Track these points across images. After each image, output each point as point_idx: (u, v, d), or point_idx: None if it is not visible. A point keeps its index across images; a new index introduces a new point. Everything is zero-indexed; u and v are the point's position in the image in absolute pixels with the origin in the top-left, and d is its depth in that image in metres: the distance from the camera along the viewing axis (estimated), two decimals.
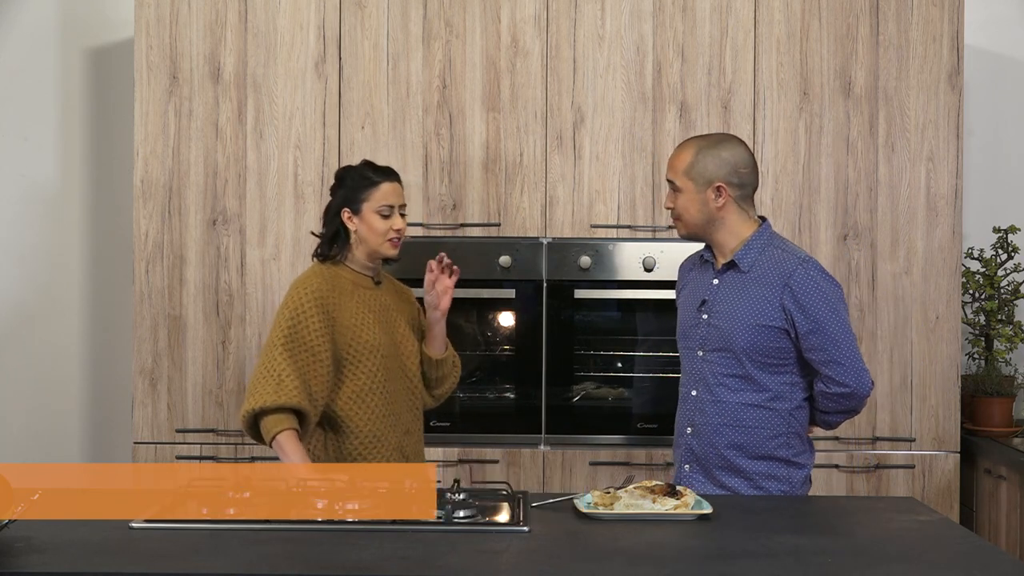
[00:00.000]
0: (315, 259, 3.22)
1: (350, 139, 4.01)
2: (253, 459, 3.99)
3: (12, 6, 4.55)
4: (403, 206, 3.21)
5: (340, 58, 4.02)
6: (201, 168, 4.02)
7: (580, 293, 4.03)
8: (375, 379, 3.13)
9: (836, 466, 3.99)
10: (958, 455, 4.02)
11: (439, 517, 2.54)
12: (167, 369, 4.02)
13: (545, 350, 4.02)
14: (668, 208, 3.12)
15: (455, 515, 2.53)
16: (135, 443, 4.02)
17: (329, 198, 3.24)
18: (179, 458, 4.00)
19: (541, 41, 4.01)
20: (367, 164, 3.23)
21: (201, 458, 4.01)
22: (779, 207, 3.99)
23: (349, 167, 3.25)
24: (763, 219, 3.11)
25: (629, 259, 4.01)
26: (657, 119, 4.01)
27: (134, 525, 2.47)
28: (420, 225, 3.97)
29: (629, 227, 4.01)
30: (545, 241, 4.01)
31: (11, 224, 4.56)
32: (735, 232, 3.08)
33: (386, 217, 3.15)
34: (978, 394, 4.21)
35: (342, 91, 4.02)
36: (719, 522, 2.58)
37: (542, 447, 4.01)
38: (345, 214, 3.17)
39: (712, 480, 3.06)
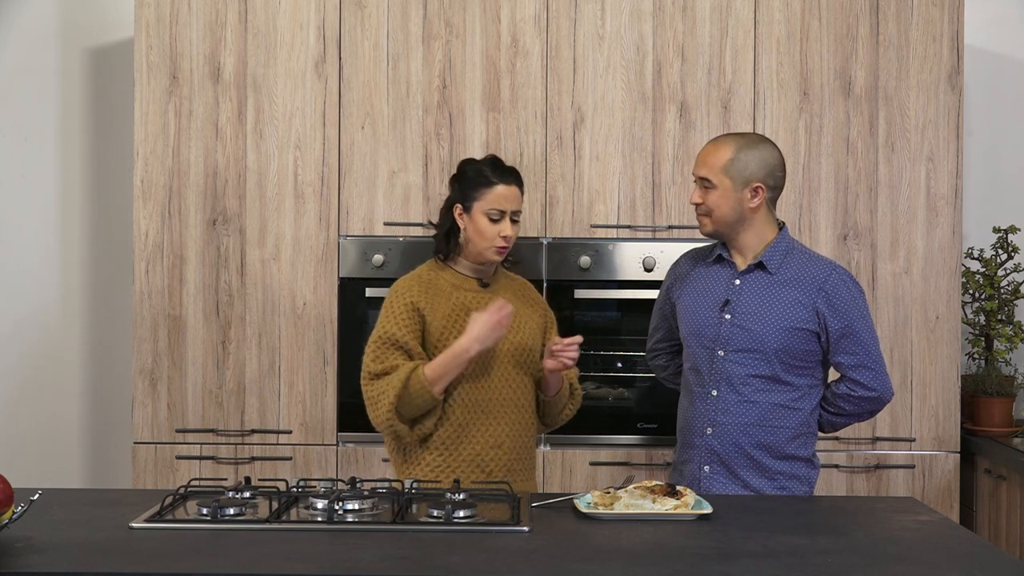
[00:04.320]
0: (438, 254, 3.14)
1: (350, 139, 4.01)
2: (253, 459, 3.99)
3: (12, 6, 4.55)
4: (517, 212, 3.07)
5: (340, 58, 4.02)
6: (201, 168, 4.02)
7: (580, 293, 4.03)
8: (454, 385, 3.02)
9: (836, 466, 3.99)
10: (958, 455, 4.02)
11: (439, 517, 2.54)
12: (167, 369, 4.02)
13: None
14: (695, 204, 3.09)
15: (455, 515, 2.53)
16: (135, 443, 4.02)
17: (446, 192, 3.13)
18: (179, 458, 4.00)
19: (541, 41, 4.01)
20: (491, 160, 3.10)
21: (201, 458, 4.00)
22: (779, 207, 3.95)
23: (471, 161, 3.12)
24: (782, 225, 3.14)
25: (629, 259, 4.01)
26: (657, 119, 4.01)
27: (134, 525, 2.47)
28: (420, 225, 3.97)
29: (629, 227, 4.01)
30: (545, 241, 4.01)
31: (11, 224, 4.56)
32: (760, 234, 3.09)
33: (495, 221, 3.02)
34: (978, 394, 4.21)
35: (342, 91, 4.02)
36: (719, 522, 2.58)
37: (542, 447, 4.01)
38: (457, 210, 3.06)
39: (736, 480, 3.06)
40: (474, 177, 3.06)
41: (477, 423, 3.05)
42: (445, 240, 3.11)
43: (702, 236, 3.20)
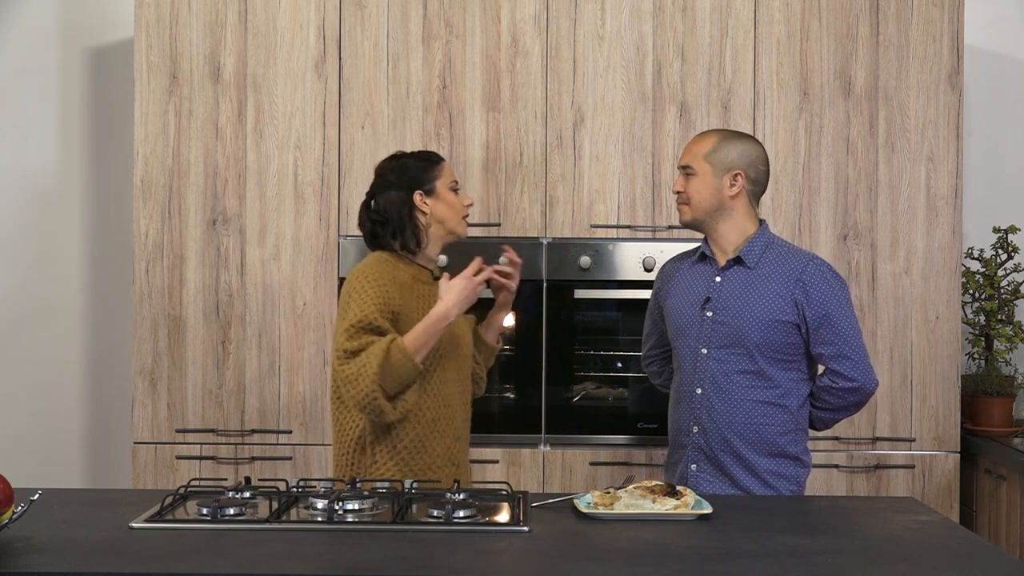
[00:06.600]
0: (388, 251, 3.10)
1: (350, 139, 4.01)
2: (253, 459, 3.99)
3: (12, 6, 4.55)
4: None
5: (340, 58, 4.02)
6: (201, 168, 4.02)
7: (580, 293, 4.03)
8: (428, 382, 3.01)
9: (836, 466, 3.99)
10: (958, 455, 4.02)
11: (439, 517, 2.54)
12: (167, 369, 4.02)
13: (545, 350, 4.02)
14: (677, 192, 3.14)
15: (455, 515, 2.53)
16: (135, 443, 4.02)
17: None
18: (179, 458, 4.00)
19: (541, 41, 4.01)
20: (408, 152, 3.17)
21: (201, 458, 4.00)
22: (779, 207, 3.99)
23: (394, 158, 3.14)
24: (762, 221, 3.15)
25: (629, 259, 4.01)
26: (657, 119, 4.01)
27: (134, 525, 2.47)
28: None
29: (629, 227, 4.01)
30: (545, 241, 4.01)
31: (11, 224, 4.57)
32: (739, 227, 3.10)
33: (456, 192, 3.13)
34: (978, 394, 4.21)
35: (342, 91, 4.02)
36: (719, 522, 2.58)
37: (542, 447, 4.01)
38: (418, 197, 3.07)
39: (724, 478, 3.06)
40: (421, 163, 3.12)
41: (443, 420, 3.06)
42: (415, 237, 3.08)
43: (700, 237, 3.21)
